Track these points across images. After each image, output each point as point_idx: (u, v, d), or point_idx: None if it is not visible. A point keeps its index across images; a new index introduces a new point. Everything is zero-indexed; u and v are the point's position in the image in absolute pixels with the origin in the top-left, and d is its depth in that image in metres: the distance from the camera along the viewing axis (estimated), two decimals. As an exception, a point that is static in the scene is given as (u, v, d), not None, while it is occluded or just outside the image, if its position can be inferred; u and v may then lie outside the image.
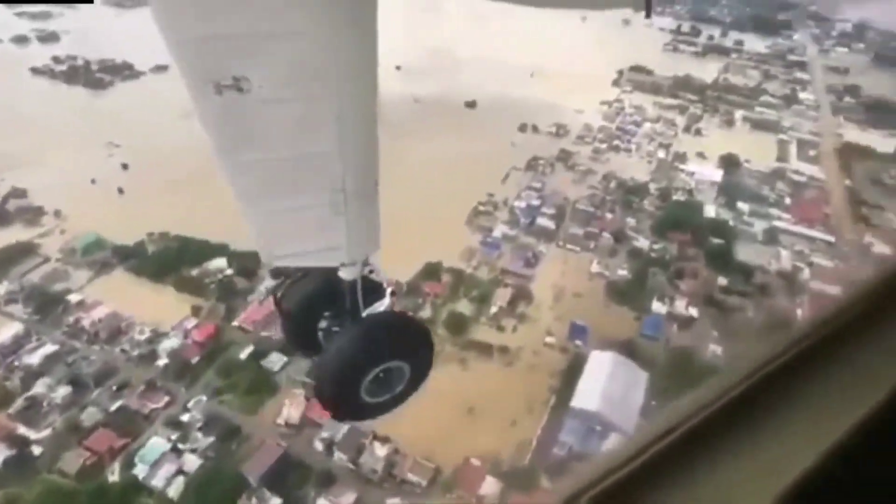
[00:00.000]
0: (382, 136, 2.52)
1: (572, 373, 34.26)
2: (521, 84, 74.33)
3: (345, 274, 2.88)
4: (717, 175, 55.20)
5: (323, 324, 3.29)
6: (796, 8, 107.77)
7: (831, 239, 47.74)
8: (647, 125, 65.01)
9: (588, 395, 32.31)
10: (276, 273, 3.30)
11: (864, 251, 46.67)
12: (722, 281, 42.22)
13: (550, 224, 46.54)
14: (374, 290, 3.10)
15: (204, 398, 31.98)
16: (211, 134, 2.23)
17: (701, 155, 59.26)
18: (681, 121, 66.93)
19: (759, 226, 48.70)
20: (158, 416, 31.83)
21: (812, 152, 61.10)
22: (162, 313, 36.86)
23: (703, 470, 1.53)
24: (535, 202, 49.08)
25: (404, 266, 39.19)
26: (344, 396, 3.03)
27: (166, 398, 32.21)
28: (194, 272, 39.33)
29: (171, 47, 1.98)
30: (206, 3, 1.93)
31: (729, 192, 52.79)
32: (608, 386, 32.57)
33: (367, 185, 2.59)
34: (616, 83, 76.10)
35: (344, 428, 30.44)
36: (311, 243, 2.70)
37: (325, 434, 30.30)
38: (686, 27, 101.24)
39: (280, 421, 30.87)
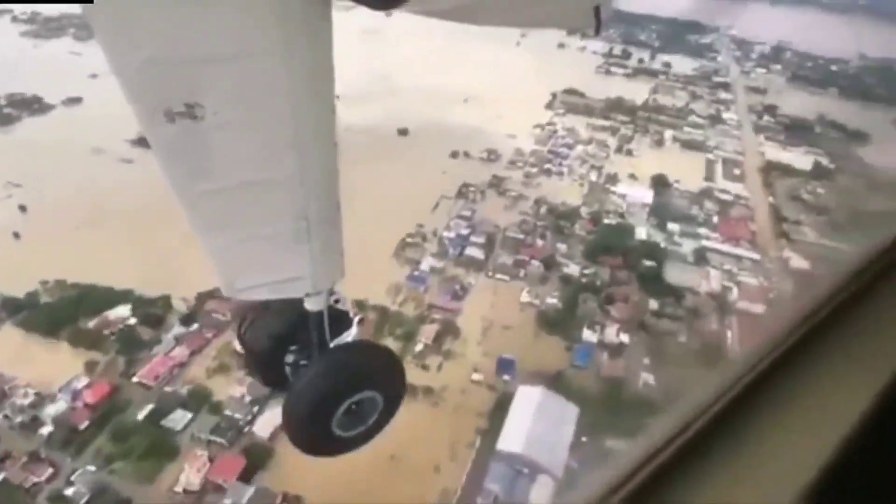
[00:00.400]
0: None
1: (499, 411, 32.88)
2: (454, 110, 74.19)
3: (310, 304, 2.83)
4: (648, 196, 55.82)
5: (290, 358, 3.17)
6: (717, 31, 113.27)
7: (756, 257, 48.67)
8: (580, 147, 65.59)
9: (514, 435, 30.94)
10: (239, 315, 3.29)
11: (784, 266, 47.77)
12: (653, 304, 42.08)
13: (480, 254, 45.52)
14: (340, 320, 3.07)
15: (92, 468, 28.76)
16: (163, 164, 2.15)
17: (632, 176, 60.00)
18: (613, 142, 67.93)
19: (688, 246, 49.20)
20: (41, 491, 28.46)
21: (737, 171, 62.94)
22: (52, 372, 33.42)
23: (723, 464, 1.56)
24: (465, 231, 48.06)
25: (328, 305, 37.24)
26: (315, 432, 2.94)
27: (50, 470, 28.85)
28: (92, 323, 36.01)
29: (118, 73, 1.89)
30: (154, 26, 1.83)
31: (659, 213, 53.35)
32: (535, 425, 31.31)
33: (329, 211, 2.55)
34: (549, 106, 76.98)
35: (250, 491, 27.89)
36: (274, 274, 2.63)
37: (228, 500, 27.64)
38: (617, 50, 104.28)
39: (178, 488, 28.05)
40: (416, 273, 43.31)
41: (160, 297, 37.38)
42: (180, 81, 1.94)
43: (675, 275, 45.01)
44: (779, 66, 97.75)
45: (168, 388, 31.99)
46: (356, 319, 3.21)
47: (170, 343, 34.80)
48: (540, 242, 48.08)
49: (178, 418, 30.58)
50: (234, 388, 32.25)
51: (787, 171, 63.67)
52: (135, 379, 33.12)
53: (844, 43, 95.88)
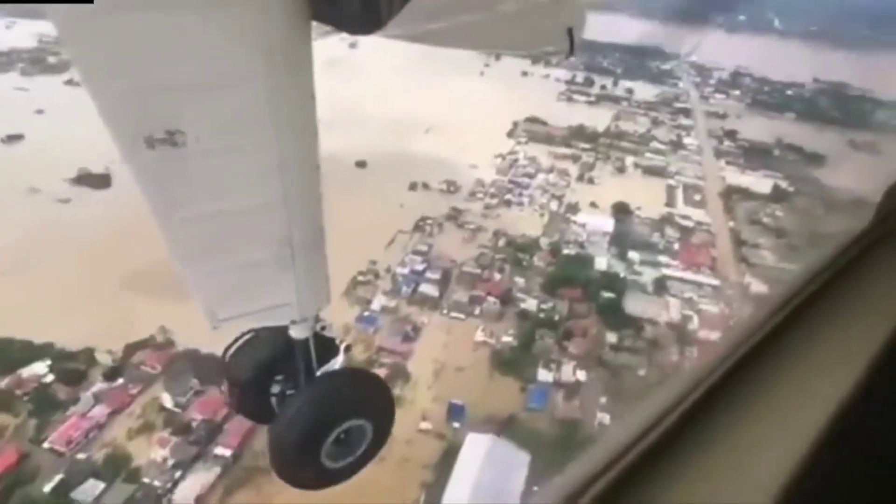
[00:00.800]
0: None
1: (446, 463, 30.66)
2: (415, 141, 73.30)
3: (296, 332, 2.85)
4: (609, 225, 54.94)
5: (275, 388, 3.15)
6: (678, 58, 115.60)
7: (717, 283, 47.80)
8: (541, 176, 64.95)
9: (460, 488, 28.81)
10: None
11: (744, 292, 46.91)
12: (612, 338, 40.60)
13: (434, 291, 43.68)
14: (327, 347, 3.07)
15: (-13, 553, 25.73)
16: (143, 191, 2.13)
17: (594, 204, 59.25)
18: (574, 170, 67.49)
19: (649, 275, 48.12)
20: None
21: (697, 196, 62.71)
22: (-46, 440, 30.34)
23: (705, 452, 1.57)
24: (420, 267, 46.32)
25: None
26: (304, 464, 2.90)
27: (-60, 556, 25.73)
28: (3, 383, 33.02)
29: (96, 100, 1.88)
30: (137, 54, 1.83)
31: (620, 241, 52.39)
32: (483, 475, 29.19)
33: (313, 236, 2.57)
34: (511, 135, 76.65)
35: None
36: (258, 302, 2.60)
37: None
38: (580, 77, 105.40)
39: (83, 572, 25.14)
40: (366, 314, 41.25)
41: (82, 351, 34.60)
42: (162, 108, 1.93)
43: (635, 305, 43.72)
44: (737, 92, 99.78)
45: (81, 455, 29.09)
46: (343, 346, 3.21)
47: (88, 402, 31.95)
48: (497, 276, 46.53)
49: (88, 489, 27.67)
50: (156, 450, 29.53)
51: (746, 194, 63.72)
52: (45, 445, 30.09)
53: (799, 68, 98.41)
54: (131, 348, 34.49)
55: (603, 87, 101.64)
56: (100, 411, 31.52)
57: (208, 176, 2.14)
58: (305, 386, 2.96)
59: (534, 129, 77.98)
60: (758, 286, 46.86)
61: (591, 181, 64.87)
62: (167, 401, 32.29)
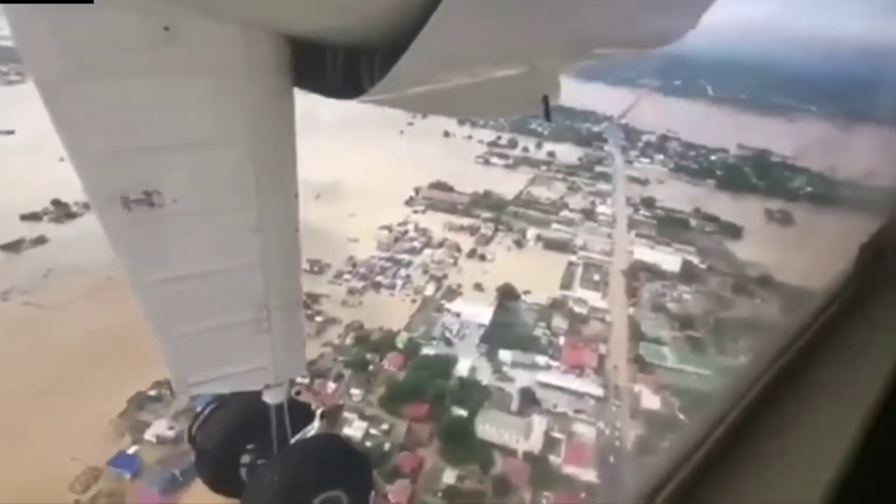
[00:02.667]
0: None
1: None
2: (302, 208, 65.51)
3: (270, 397, 2.77)
4: (486, 314, 47.43)
5: (245, 458, 3.08)
6: (609, 120, 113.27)
7: (600, 392, 40.16)
8: (427, 252, 57.70)
9: None
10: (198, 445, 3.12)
11: (634, 405, 39.38)
12: (450, 477, 32.15)
13: (237, 411, 34.67)
14: (301, 413, 2.99)
15: None
16: (118, 252, 2.09)
17: (478, 286, 52.01)
18: (468, 243, 60.51)
19: (519, 381, 40.34)
20: None
21: (597, 276, 56.08)
22: None
23: (752, 465, 1.75)
24: (234, 376, 37.32)
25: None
26: None
27: None
28: None
29: (74, 159, 1.87)
30: (116, 116, 1.84)
31: (494, 336, 44.73)
32: None
33: (291, 299, 2.53)
34: (410, 202, 69.84)
35: None
36: (232, 366, 2.56)
37: None
38: (505, 139, 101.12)
39: None
40: (129, 451, 31.87)
41: None
42: (139, 169, 1.91)
43: (489, 427, 35.54)
44: (661, 157, 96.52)
45: None
46: (318, 412, 3.04)
47: None
48: (331, 387, 37.96)
49: None
50: None
51: (654, 272, 57.54)
52: None
53: (726, 133, 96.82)
54: None
55: (525, 149, 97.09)
56: None
57: (185, 238, 2.09)
58: (278, 455, 2.83)
59: (435, 196, 71.51)
60: (650, 398, 39.48)
61: (482, 258, 57.85)
62: None
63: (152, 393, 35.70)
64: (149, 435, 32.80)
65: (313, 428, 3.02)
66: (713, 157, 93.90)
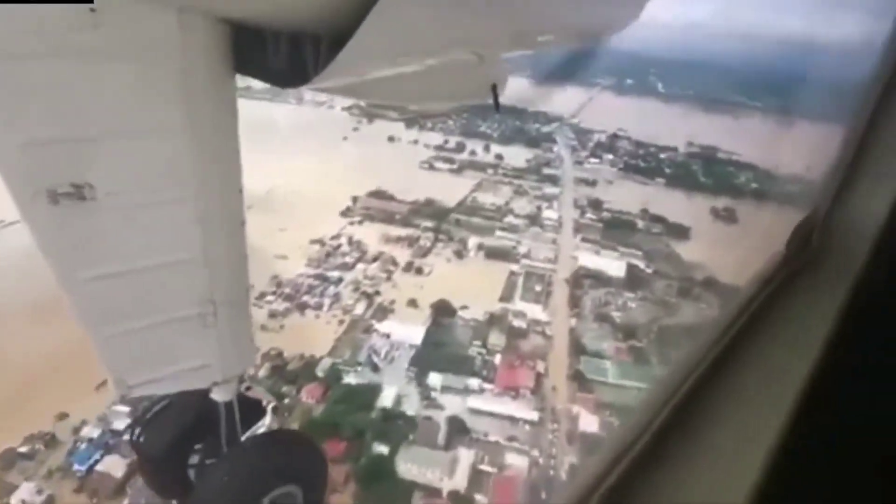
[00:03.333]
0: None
1: None
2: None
3: (218, 395, 2.68)
4: (418, 334, 44.20)
5: (194, 459, 2.97)
6: (560, 120, 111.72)
7: (535, 417, 37.36)
8: (360, 267, 54.15)
9: None
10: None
11: (571, 428, 36.74)
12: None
13: (120, 468, 30.51)
14: (252, 409, 2.89)
15: None
16: (43, 249, 1.96)
17: (412, 303, 48.77)
18: (405, 256, 57.20)
19: (448, 408, 37.22)
20: None
21: (539, 287, 53.50)
22: None
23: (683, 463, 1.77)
24: (119, 426, 33.09)
25: None
26: None
27: None
28: None
29: None
30: (39, 104, 1.71)
31: (424, 359, 41.52)
32: None
33: (237, 293, 2.45)
34: (346, 213, 66.04)
35: None
36: (176, 364, 2.45)
37: None
38: (453, 142, 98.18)
39: None
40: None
41: None
42: (67, 161, 1.80)
43: (411, 466, 32.30)
44: (611, 156, 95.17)
45: None
46: (269, 407, 2.93)
47: None
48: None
49: None
50: None
51: (598, 279, 55.41)
52: None
53: (676, 131, 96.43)
54: None
55: (472, 152, 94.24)
56: None
57: (122, 232, 1.99)
58: (229, 453, 2.73)
59: (374, 206, 67.92)
60: (588, 420, 36.91)
61: (419, 271, 54.61)
62: None
63: (23, 450, 31.14)
64: (14, 501, 28.27)
65: (264, 424, 2.85)
66: (662, 156, 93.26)
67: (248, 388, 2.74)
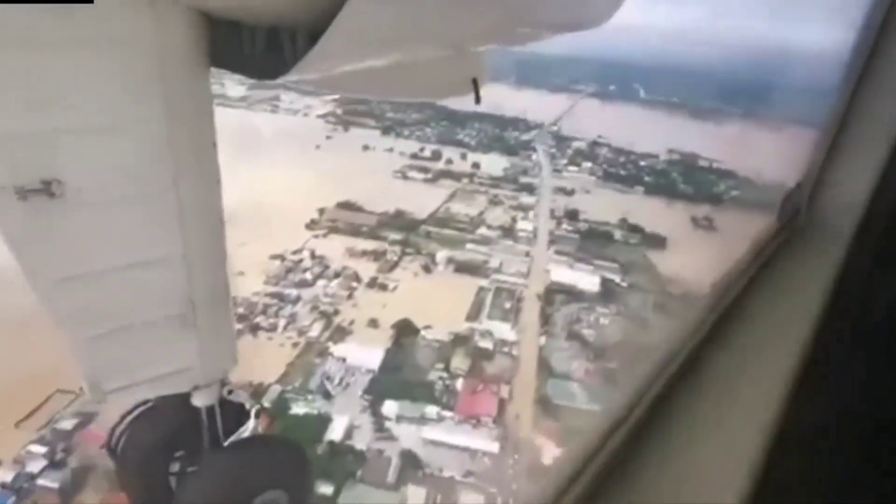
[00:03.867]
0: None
1: None
2: (187, 238, 58.25)
3: (199, 399, 2.61)
4: (376, 358, 41.65)
5: (174, 467, 2.86)
6: (541, 127, 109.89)
7: (495, 449, 34.94)
8: (321, 284, 51.49)
9: None
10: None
11: (532, 462, 34.32)
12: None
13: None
14: (235, 414, 2.83)
15: None
16: (13, 249, 1.87)
17: (373, 323, 46.21)
18: (370, 270, 54.66)
19: (403, 440, 34.70)
20: None
21: (508, 304, 51.17)
22: None
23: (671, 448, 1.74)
24: (41, 464, 30.23)
25: None
26: None
27: None
28: None
29: None
30: (3, 95, 1.61)
31: (381, 386, 39.03)
32: None
33: (218, 291, 2.39)
34: (311, 226, 63.39)
35: None
36: (155, 368, 2.37)
37: None
38: (429, 150, 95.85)
39: None
40: None
41: None
42: (35, 155, 1.72)
43: (357, 508, 29.75)
44: (590, 164, 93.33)
45: None
46: (253, 411, 2.86)
47: None
48: (169, 467, 31.16)
49: None
50: None
51: (571, 294, 53.23)
52: None
53: (657, 138, 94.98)
54: None
55: (449, 161, 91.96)
56: None
57: (95, 230, 1.92)
58: (210, 460, 2.68)
59: (341, 217, 65.36)
60: (550, 450, 34.53)
61: (383, 287, 52.11)
62: None
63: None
64: None
65: (247, 429, 2.78)
66: (643, 163, 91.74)
67: (230, 392, 2.64)
